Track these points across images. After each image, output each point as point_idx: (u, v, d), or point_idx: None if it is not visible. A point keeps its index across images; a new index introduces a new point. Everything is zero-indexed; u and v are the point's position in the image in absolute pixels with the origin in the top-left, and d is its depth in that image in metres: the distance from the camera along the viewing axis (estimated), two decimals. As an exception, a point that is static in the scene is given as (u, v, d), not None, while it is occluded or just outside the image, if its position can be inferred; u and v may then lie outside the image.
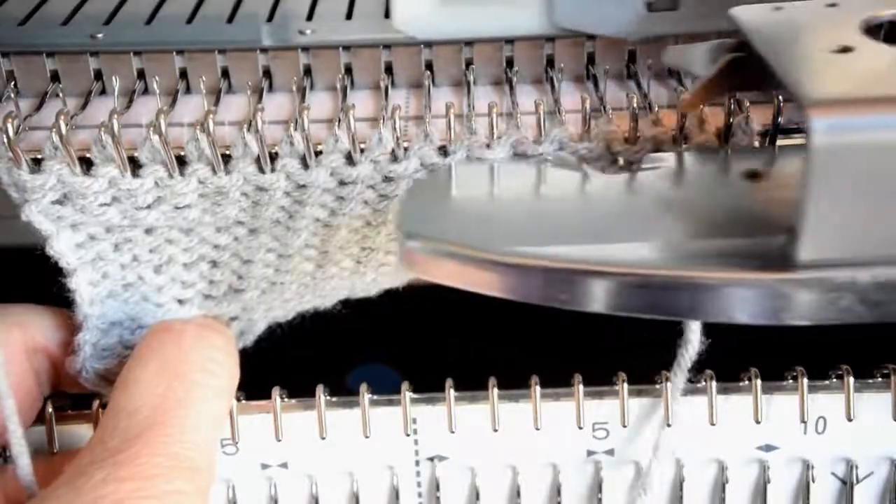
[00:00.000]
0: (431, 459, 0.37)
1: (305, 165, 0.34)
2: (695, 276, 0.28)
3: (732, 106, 0.34)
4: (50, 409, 0.36)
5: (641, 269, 0.28)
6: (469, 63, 0.38)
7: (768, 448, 0.37)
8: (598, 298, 0.28)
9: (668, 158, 0.33)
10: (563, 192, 0.32)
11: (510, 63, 0.38)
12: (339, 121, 0.35)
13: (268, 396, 0.37)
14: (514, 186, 0.33)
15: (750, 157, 0.33)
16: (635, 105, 0.34)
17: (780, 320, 0.28)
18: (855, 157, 0.26)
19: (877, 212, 0.26)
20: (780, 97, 0.33)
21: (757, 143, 0.34)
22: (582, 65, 0.38)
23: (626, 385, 0.36)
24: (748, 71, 0.31)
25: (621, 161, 0.34)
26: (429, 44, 0.38)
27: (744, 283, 0.27)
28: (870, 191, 0.26)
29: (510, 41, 0.38)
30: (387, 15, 0.39)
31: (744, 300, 0.28)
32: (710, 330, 0.34)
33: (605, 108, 0.36)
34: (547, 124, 0.34)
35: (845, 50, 0.28)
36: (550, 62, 0.38)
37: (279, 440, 0.37)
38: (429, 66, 0.38)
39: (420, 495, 0.38)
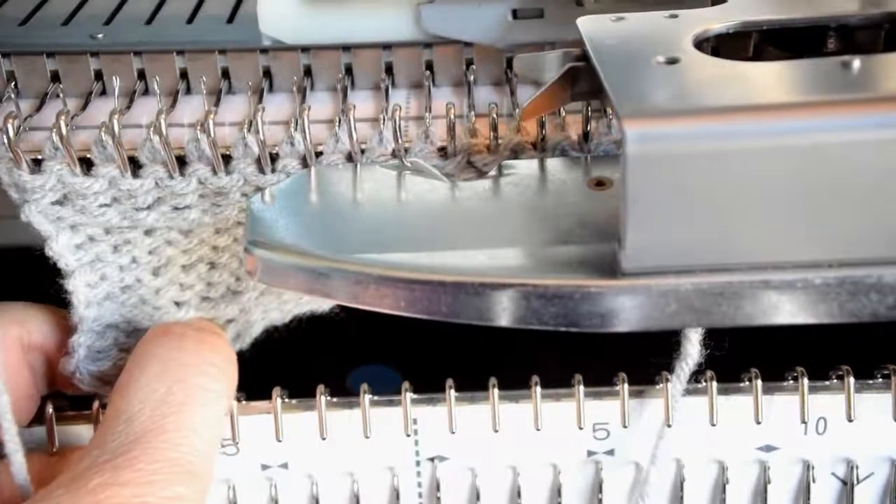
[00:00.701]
0: (432, 460, 0.37)
1: (306, 166, 0.34)
2: (525, 283, 0.28)
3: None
4: (50, 410, 0.36)
5: (469, 278, 0.29)
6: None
7: (769, 448, 0.37)
8: (428, 306, 0.29)
9: (522, 166, 0.34)
10: (419, 199, 0.33)
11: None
12: (340, 121, 0.35)
13: (268, 397, 0.36)
14: (371, 193, 0.33)
15: (599, 164, 0.33)
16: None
17: (612, 327, 0.29)
18: (669, 167, 0.26)
19: (694, 220, 0.27)
20: None
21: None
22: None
23: (626, 385, 0.36)
24: (587, 80, 0.32)
25: (478, 168, 0.34)
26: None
27: (569, 291, 0.28)
28: (686, 200, 0.27)
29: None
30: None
31: (573, 307, 0.28)
32: (709, 330, 0.34)
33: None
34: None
35: (672, 62, 0.29)
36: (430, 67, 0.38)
37: (279, 441, 0.37)
38: (429, 66, 0.38)
39: (420, 496, 0.38)
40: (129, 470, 0.29)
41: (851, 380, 0.36)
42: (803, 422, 0.36)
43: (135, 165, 0.34)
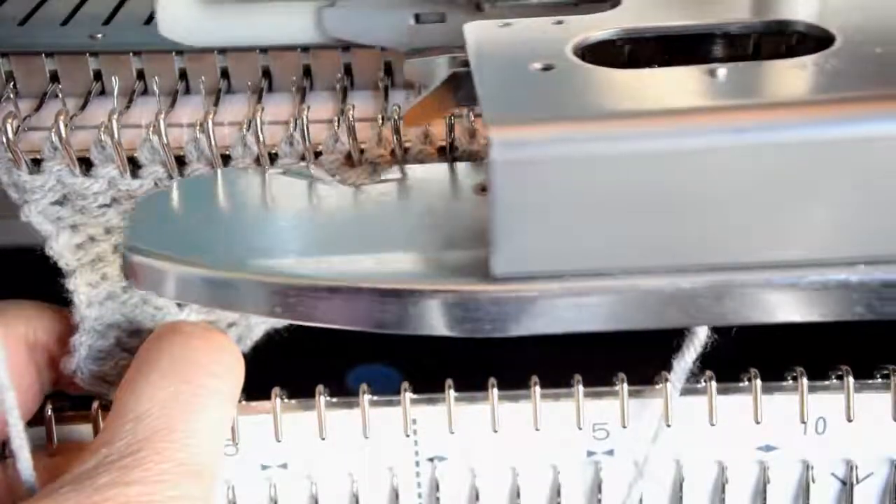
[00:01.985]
0: (431, 460, 0.37)
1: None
2: (397, 287, 0.29)
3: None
4: (50, 410, 0.36)
5: (346, 282, 0.29)
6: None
7: (768, 448, 0.37)
8: (302, 311, 0.29)
9: (408, 171, 0.34)
10: (313, 204, 0.33)
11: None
12: (339, 121, 0.35)
13: (268, 397, 0.37)
14: (255, 199, 0.33)
15: (483, 170, 0.33)
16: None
17: (485, 332, 0.29)
18: (533, 173, 0.26)
19: (561, 226, 0.27)
20: None
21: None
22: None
23: (626, 385, 0.36)
24: (470, 86, 0.31)
25: (356, 176, 0.34)
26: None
27: (438, 296, 0.28)
28: (551, 206, 0.27)
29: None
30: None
31: (443, 312, 0.29)
32: (709, 329, 0.34)
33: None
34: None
35: (547, 68, 0.29)
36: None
37: (279, 441, 0.37)
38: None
39: (420, 496, 0.38)
40: (137, 469, 0.30)
41: (851, 380, 0.36)
42: (803, 422, 0.36)
43: (134, 166, 0.34)
